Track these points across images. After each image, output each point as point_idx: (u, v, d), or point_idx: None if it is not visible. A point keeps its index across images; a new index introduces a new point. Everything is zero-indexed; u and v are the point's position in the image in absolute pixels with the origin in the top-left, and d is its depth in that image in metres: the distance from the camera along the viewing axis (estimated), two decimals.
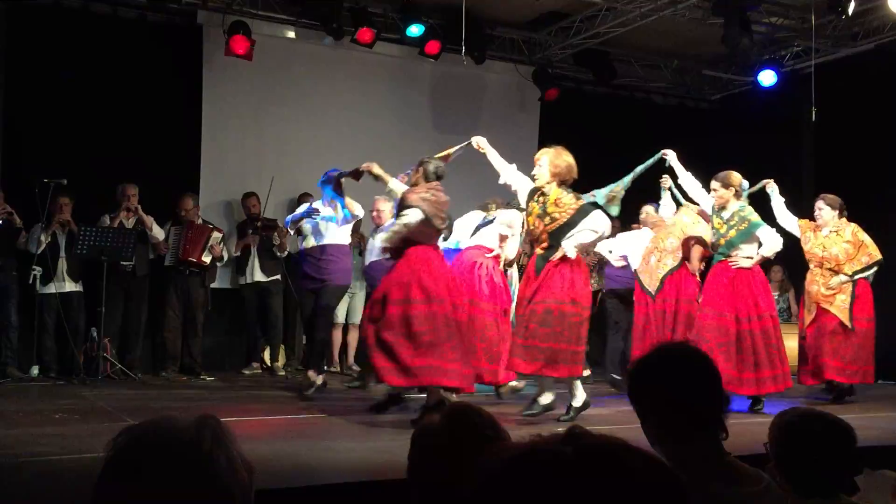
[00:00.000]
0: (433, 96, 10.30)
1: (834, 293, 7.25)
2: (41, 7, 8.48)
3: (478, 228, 7.01)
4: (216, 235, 8.57)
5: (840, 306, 7.21)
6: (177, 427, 1.12)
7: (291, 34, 9.67)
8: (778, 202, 7.26)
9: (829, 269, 7.29)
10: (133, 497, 1.06)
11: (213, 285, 8.79)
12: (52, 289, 7.84)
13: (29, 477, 3.72)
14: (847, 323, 7.15)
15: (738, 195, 6.64)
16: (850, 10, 8.42)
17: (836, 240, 7.29)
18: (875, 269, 7.35)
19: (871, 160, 9.61)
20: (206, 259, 8.50)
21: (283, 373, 8.75)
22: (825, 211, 7.34)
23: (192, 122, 9.02)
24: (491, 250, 6.91)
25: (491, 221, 6.99)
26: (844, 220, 7.36)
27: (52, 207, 7.71)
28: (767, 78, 10.25)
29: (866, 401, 7.30)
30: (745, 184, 6.74)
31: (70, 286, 7.99)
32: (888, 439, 4.86)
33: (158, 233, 8.36)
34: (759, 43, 9.86)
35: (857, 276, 7.24)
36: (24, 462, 3.96)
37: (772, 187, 7.22)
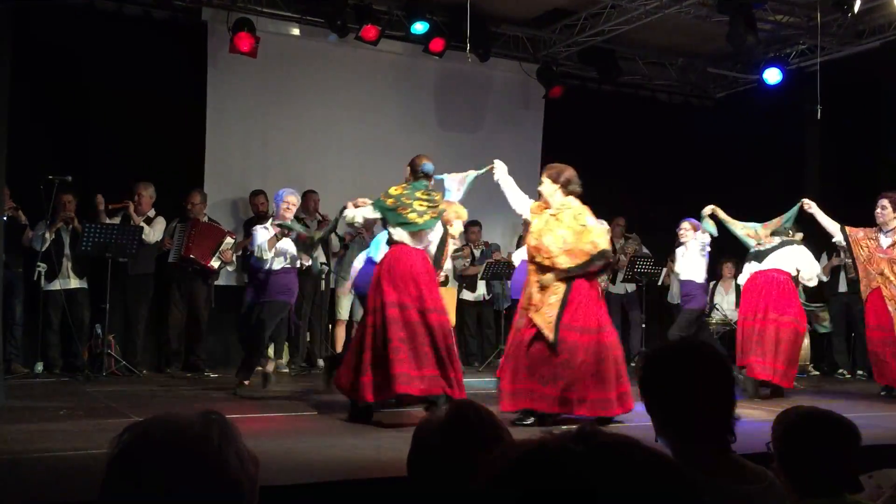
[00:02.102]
0: (437, 94, 10.30)
1: (546, 294, 5.39)
2: (47, 4, 8.48)
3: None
4: (228, 241, 8.46)
5: (545, 314, 5.34)
6: (182, 423, 1.12)
7: (296, 31, 9.67)
8: (506, 182, 5.80)
9: (542, 265, 5.46)
10: (141, 493, 1.06)
11: (216, 283, 8.79)
12: (56, 285, 7.87)
13: (34, 473, 3.73)
14: (549, 335, 5.27)
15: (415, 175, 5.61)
16: (857, 7, 8.39)
17: (553, 225, 5.45)
18: (599, 264, 5.47)
19: (876, 158, 9.59)
20: (215, 264, 8.42)
21: (286, 370, 8.76)
22: (545, 186, 5.54)
23: (196, 120, 9.03)
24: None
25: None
26: (573, 199, 5.52)
27: (56, 205, 7.73)
28: (772, 76, 10.23)
29: (871, 400, 7.27)
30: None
31: (75, 283, 8.02)
32: (894, 438, 4.85)
33: (149, 233, 8.29)
34: (764, 41, 9.83)
35: (572, 273, 5.37)
36: (28, 458, 3.98)
37: (498, 167, 5.83)
